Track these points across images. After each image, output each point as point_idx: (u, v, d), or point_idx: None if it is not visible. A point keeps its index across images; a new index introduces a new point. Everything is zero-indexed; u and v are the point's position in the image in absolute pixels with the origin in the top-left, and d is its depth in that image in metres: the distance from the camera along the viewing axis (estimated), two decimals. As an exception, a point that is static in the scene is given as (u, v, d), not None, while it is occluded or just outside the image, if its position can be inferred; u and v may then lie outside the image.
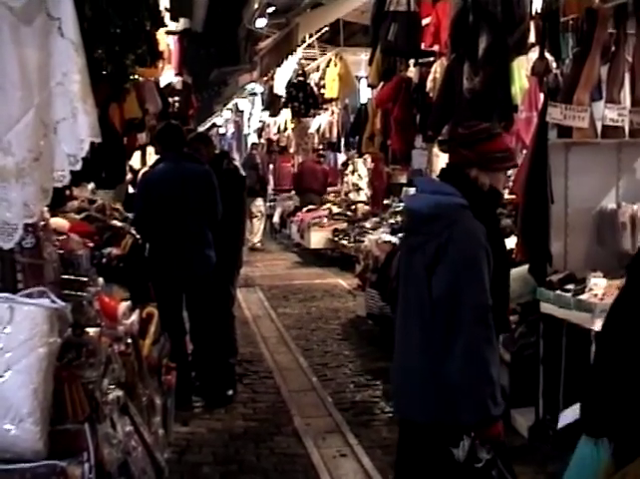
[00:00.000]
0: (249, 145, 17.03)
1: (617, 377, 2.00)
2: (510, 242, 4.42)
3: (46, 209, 2.75)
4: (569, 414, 2.45)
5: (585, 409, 2.13)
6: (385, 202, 9.75)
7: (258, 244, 13.62)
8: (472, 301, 2.60)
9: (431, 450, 2.72)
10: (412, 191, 8.65)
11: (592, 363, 2.18)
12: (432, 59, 6.46)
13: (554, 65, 4.76)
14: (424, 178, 3.31)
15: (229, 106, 20.44)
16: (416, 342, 2.76)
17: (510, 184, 5.22)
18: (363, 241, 8.21)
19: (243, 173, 6.36)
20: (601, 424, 2.11)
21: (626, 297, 2.04)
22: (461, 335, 2.60)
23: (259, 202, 13.48)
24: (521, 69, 5.10)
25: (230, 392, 5.59)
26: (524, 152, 4.81)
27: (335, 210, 12.12)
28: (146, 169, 6.72)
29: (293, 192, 14.07)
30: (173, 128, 5.63)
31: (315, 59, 11.57)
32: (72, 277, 3.08)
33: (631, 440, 2.00)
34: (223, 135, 22.46)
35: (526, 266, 4.60)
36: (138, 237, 5.01)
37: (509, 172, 4.48)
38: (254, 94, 16.42)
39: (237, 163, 6.37)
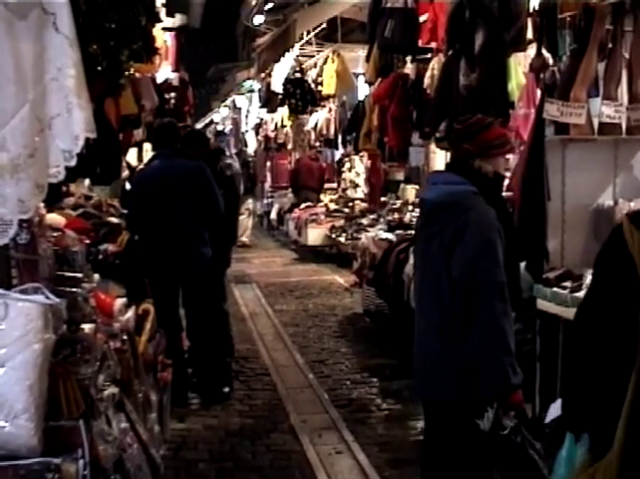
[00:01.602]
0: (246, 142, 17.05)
1: (588, 373, 2.04)
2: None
3: (42, 205, 2.75)
4: (555, 408, 2.48)
5: (563, 404, 2.17)
6: (382, 199, 9.76)
7: (246, 241, 13.59)
8: (489, 279, 2.82)
9: (456, 425, 2.86)
10: (408, 187, 8.66)
11: (564, 358, 2.25)
12: (429, 56, 6.45)
13: (551, 62, 4.76)
14: (438, 172, 3.54)
15: (227, 103, 20.42)
16: (436, 324, 2.96)
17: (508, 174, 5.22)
18: (360, 239, 8.21)
19: (238, 169, 6.35)
20: (578, 419, 2.14)
21: (595, 294, 2.08)
22: (480, 311, 2.81)
23: (249, 200, 13.47)
24: (518, 66, 5.10)
25: (227, 389, 5.59)
26: (522, 148, 4.81)
27: (332, 207, 12.11)
28: (142, 166, 6.72)
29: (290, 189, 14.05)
30: (168, 125, 5.63)
31: (312, 56, 11.56)
32: (67, 274, 3.07)
33: (605, 436, 2.00)
34: (221, 132, 22.44)
35: (523, 263, 4.60)
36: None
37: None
38: (252, 91, 16.40)
39: (231, 160, 6.34)
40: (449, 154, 7.40)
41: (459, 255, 2.88)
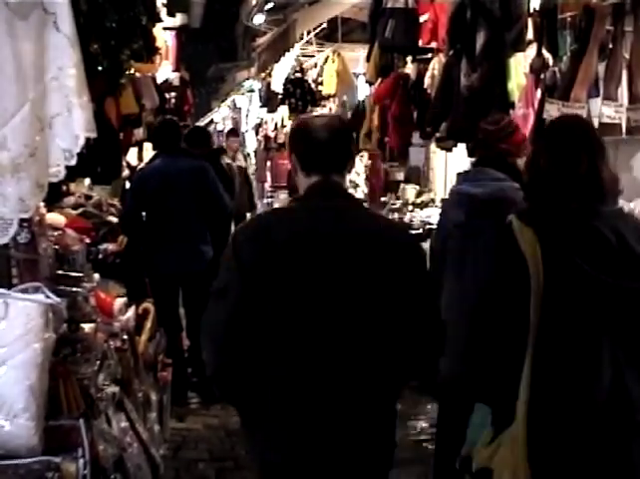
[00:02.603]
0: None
1: (491, 349, 2.22)
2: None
3: (42, 204, 2.75)
4: None
5: (470, 377, 2.36)
6: (382, 199, 9.75)
7: None
8: None
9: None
10: (408, 187, 8.65)
11: (470, 335, 2.38)
12: (429, 56, 6.45)
13: (552, 62, 4.76)
14: (475, 170, 3.57)
15: (227, 102, 20.41)
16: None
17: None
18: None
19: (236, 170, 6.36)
20: (482, 392, 2.32)
21: (493, 284, 2.27)
22: None
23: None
24: (519, 66, 5.09)
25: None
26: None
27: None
28: (142, 165, 6.72)
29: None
30: (169, 124, 5.63)
31: (313, 56, 11.54)
32: (67, 273, 3.08)
33: (506, 411, 2.18)
34: (221, 131, 22.44)
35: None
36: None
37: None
38: (252, 90, 16.39)
39: (230, 160, 6.34)
40: (449, 154, 7.41)
41: None
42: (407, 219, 7.31)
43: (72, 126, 2.22)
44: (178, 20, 8.40)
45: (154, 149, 5.83)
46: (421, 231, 6.45)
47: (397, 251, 2.22)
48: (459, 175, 3.71)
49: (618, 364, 2.18)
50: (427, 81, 6.28)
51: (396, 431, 2.36)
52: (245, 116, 17.43)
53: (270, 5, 13.11)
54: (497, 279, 2.24)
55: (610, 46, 4.51)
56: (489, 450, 2.23)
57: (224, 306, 2.21)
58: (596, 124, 4.49)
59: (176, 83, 8.93)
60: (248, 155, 17.28)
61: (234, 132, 11.78)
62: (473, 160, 3.71)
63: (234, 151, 10.07)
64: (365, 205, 3.49)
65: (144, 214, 5.42)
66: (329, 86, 10.31)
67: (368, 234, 2.23)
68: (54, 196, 4.64)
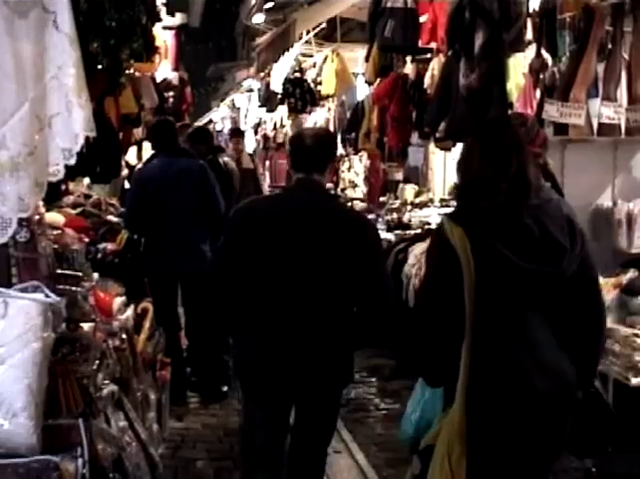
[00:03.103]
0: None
1: (432, 339, 2.44)
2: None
3: (41, 203, 2.75)
4: None
5: (414, 359, 2.60)
6: (381, 199, 9.75)
7: None
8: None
9: None
10: (407, 187, 8.66)
11: (411, 327, 2.58)
12: (429, 56, 6.45)
13: (551, 62, 4.76)
14: None
15: (226, 102, 20.40)
16: None
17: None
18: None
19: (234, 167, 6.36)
20: (430, 377, 2.57)
21: (430, 278, 2.50)
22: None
23: None
24: (518, 66, 5.10)
25: (225, 388, 5.59)
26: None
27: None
28: (140, 165, 6.72)
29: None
30: (166, 124, 5.63)
31: (312, 55, 11.53)
32: (67, 272, 3.08)
33: (451, 393, 2.42)
34: (220, 131, 22.44)
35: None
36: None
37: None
38: (251, 90, 16.38)
39: (229, 158, 6.33)
40: (448, 154, 7.41)
41: None
42: (405, 218, 7.30)
43: (71, 125, 2.22)
44: (178, 19, 8.41)
45: (153, 148, 5.83)
46: (419, 230, 6.44)
47: (348, 227, 2.99)
48: None
49: (550, 344, 2.43)
50: (426, 81, 6.29)
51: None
52: (244, 115, 17.40)
53: (270, 5, 13.11)
54: (434, 275, 2.47)
55: (609, 46, 4.51)
56: (435, 430, 2.49)
57: (218, 254, 3.18)
58: (595, 124, 4.50)
59: (175, 82, 8.93)
60: (253, 154, 17.21)
61: (238, 132, 11.07)
62: None
63: (239, 152, 9.49)
64: (336, 197, 4.37)
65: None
66: (328, 86, 10.30)
67: (330, 213, 3.01)
68: (53, 195, 4.64)
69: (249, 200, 3.31)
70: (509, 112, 3.93)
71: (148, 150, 7.12)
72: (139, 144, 7.37)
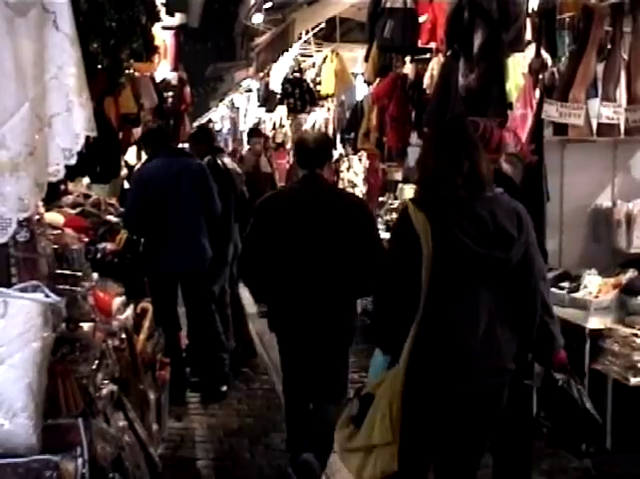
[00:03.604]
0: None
1: (391, 306, 2.78)
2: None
3: (41, 203, 2.75)
4: None
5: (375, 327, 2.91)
6: (380, 198, 9.75)
7: None
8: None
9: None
10: (406, 187, 8.65)
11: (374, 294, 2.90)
12: (428, 56, 6.45)
13: (550, 62, 4.76)
14: None
15: (225, 102, 20.39)
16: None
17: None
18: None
19: (238, 170, 6.33)
20: (385, 342, 2.87)
21: (393, 256, 2.81)
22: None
23: None
24: (517, 66, 5.10)
25: (224, 388, 5.59)
26: (520, 149, 4.81)
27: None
28: (139, 165, 6.72)
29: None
30: (160, 129, 5.79)
31: (311, 55, 11.53)
32: (66, 272, 3.08)
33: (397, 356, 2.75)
34: (219, 131, 22.45)
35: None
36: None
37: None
38: (250, 90, 16.39)
39: (227, 159, 6.31)
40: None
41: None
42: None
43: (72, 125, 2.22)
44: (177, 19, 8.39)
45: (146, 153, 5.87)
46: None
47: (349, 206, 3.81)
48: None
49: (494, 320, 2.72)
50: (425, 81, 6.29)
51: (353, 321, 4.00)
52: (243, 115, 17.40)
53: (269, 5, 13.11)
54: (396, 250, 2.80)
55: (609, 47, 4.52)
56: (378, 382, 2.81)
57: (247, 239, 3.86)
58: (595, 124, 4.50)
59: (175, 82, 8.91)
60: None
61: (257, 131, 9.71)
62: None
63: (257, 154, 8.65)
64: (335, 185, 5.05)
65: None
66: (327, 86, 10.30)
67: (333, 197, 3.86)
68: (52, 195, 4.64)
69: (271, 193, 4.19)
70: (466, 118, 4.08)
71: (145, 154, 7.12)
72: (138, 144, 7.36)
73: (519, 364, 2.89)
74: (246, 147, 15.84)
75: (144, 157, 7.18)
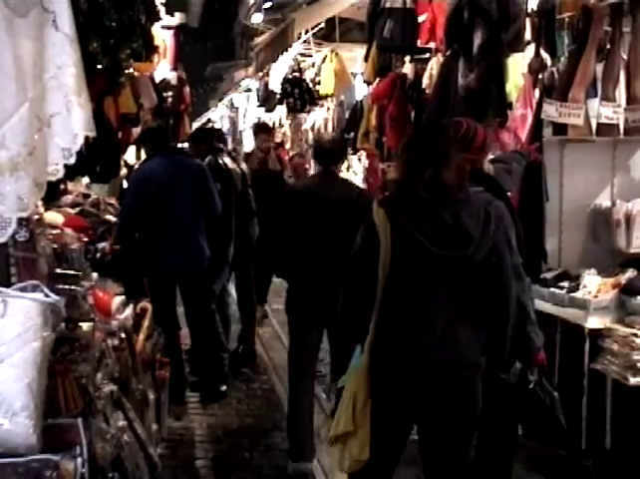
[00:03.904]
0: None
1: (353, 298, 2.89)
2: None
3: (40, 203, 2.75)
4: None
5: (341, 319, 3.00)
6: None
7: None
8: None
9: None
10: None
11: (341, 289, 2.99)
12: (427, 56, 6.45)
13: (550, 62, 4.77)
14: None
15: (225, 101, 20.40)
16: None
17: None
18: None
19: (238, 170, 6.33)
20: (354, 334, 2.95)
21: (358, 250, 2.89)
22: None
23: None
24: (517, 66, 5.10)
25: (224, 388, 5.59)
26: (520, 149, 4.82)
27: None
28: (137, 164, 6.72)
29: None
30: (160, 128, 5.75)
31: (311, 55, 11.54)
32: (66, 272, 3.07)
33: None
34: (218, 131, 22.43)
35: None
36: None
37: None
38: (249, 90, 16.39)
39: (228, 159, 6.29)
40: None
41: None
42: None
43: (71, 125, 2.23)
44: (177, 19, 8.39)
45: (146, 153, 5.84)
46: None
47: (358, 198, 4.22)
48: None
49: (452, 316, 2.78)
50: (425, 81, 6.29)
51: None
52: (243, 115, 17.41)
53: (268, 4, 13.11)
54: (358, 248, 2.90)
55: (608, 47, 4.52)
56: (346, 374, 2.94)
57: (272, 224, 4.37)
58: (594, 124, 4.51)
59: (174, 82, 8.91)
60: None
61: (264, 127, 8.46)
62: None
63: (265, 152, 7.63)
64: (347, 180, 5.13)
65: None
66: (327, 85, 10.30)
67: (344, 190, 4.33)
68: (52, 194, 4.64)
69: (292, 185, 4.97)
70: (449, 119, 4.16)
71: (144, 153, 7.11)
72: (137, 143, 7.36)
73: (495, 361, 2.95)
74: (249, 145, 15.76)
75: (143, 156, 7.18)
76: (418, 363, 2.78)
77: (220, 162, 6.03)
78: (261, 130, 7.96)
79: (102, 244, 4.69)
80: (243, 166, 6.54)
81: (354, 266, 2.89)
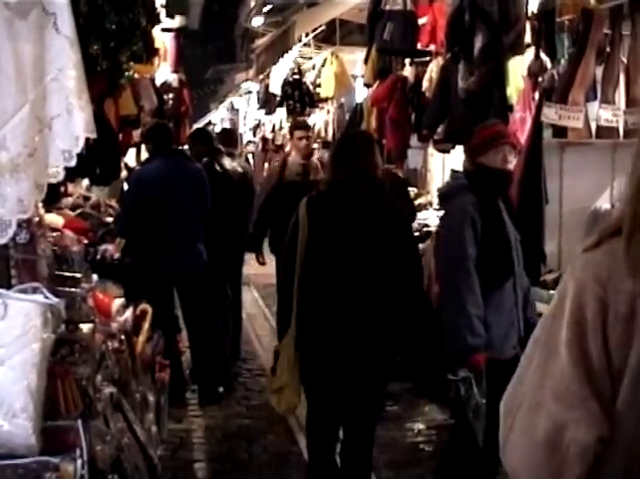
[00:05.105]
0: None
1: (283, 278, 3.48)
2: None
3: (40, 204, 2.75)
4: None
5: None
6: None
7: None
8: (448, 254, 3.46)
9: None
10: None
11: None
12: (427, 58, 6.46)
13: (550, 65, 4.77)
14: None
15: (225, 104, 20.42)
16: None
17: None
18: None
19: (239, 169, 6.32)
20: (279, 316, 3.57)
21: (287, 241, 3.40)
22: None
23: None
24: (517, 69, 5.11)
25: (221, 389, 5.59)
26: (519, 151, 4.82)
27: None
28: (137, 167, 6.71)
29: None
30: (163, 127, 5.66)
31: (311, 58, 11.55)
32: (66, 274, 3.08)
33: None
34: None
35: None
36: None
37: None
38: (249, 92, 16.41)
39: (227, 160, 6.27)
40: (447, 156, 7.43)
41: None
42: (404, 221, 7.29)
43: (71, 127, 2.23)
44: (177, 21, 8.41)
45: (147, 150, 5.83)
46: (418, 233, 6.44)
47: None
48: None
49: (360, 301, 3.23)
50: (425, 84, 6.29)
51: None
52: (243, 117, 17.42)
53: (269, 7, 13.13)
54: (288, 238, 3.38)
55: (608, 49, 4.52)
56: (282, 343, 3.44)
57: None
58: (594, 127, 4.51)
59: (175, 84, 8.92)
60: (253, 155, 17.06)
61: (303, 124, 6.66)
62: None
63: (306, 156, 6.08)
64: None
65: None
66: (327, 88, 10.31)
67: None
68: (52, 196, 4.64)
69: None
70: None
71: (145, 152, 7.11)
72: (138, 146, 7.36)
73: (407, 345, 3.45)
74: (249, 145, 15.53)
75: (143, 158, 7.18)
76: (326, 341, 3.29)
77: (217, 164, 6.02)
78: (298, 127, 6.31)
79: (102, 247, 4.69)
80: (245, 164, 6.54)
81: (284, 258, 3.40)
